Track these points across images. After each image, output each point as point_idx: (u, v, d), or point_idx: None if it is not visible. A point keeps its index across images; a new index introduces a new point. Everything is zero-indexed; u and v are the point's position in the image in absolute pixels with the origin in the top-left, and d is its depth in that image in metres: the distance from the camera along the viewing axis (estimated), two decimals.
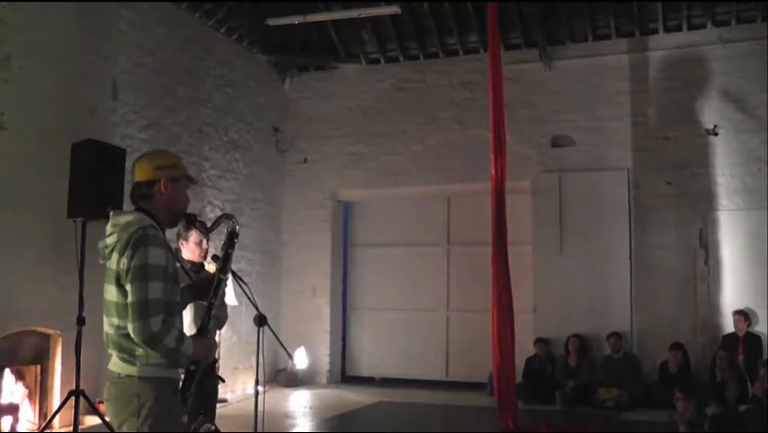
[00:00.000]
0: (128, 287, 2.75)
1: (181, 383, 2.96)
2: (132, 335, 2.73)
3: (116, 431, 2.83)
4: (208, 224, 3.36)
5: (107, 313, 2.85)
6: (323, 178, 11.27)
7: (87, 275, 5.73)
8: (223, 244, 3.23)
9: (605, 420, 8.08)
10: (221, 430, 3.79)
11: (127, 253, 2.76)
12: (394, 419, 8.57)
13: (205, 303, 3.16)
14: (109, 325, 2.84)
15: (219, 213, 8.15)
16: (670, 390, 7.74)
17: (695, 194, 9.62)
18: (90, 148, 6.02)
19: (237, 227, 3.26)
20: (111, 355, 2.87)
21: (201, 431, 3.39)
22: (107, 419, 3.19)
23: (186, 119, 9.23)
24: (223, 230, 3.33)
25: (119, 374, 2.81)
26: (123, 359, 2.80)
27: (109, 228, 2.89)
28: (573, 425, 7.86)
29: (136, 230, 2.80)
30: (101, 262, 2.91)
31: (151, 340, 2.70)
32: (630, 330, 9.59)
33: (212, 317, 3.14)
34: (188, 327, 3.64)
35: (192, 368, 2.98)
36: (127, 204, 3.02)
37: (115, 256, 2.81)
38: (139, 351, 2.77)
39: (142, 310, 2.70)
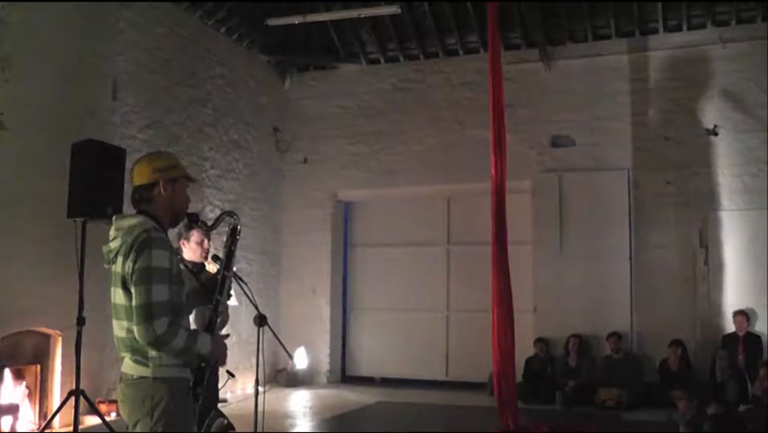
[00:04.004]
0: (132, 290, 2.77)
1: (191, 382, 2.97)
2: (137, 337, 2.75)
3: (130, 431, 2.85)
4: (210, 223, 3.37)
5: (117, 316, 2.87)
6: (323, 178, 11.27)
7: (87, 275, 5.74)
8: (226, 241, 3.23)
9: (605, 420, 8.08)
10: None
11: (132, 256, 2.79)
12: (394, 419, 8.57)
13: (207, 306, 3.15)
14: (119, 328, 2.86)
15: (219, 213, 8.19)
16: (670, 390, 7.76)
17: (695, 194, 9.62)
18: (90, 148, 6.05)
19: (239, 225, 3.26)
20: (123, 358, 2.89)
21: (215, 426, 3.40)
22: (115, 418, 3.20)
23: (186, 119, 9.23)
24: (223, 230, 3.34)
25: (133, 375, 2.83)
26: (136, 361, 2.83)
27: (112, 232, 2.92)
28: (573, 425, 7.85)
29: (139, 233, 2.82)
30: (106, 266, 2.93)
31: (156, 342, 2.72)
32: (630, 330, 9.59)
33: (219, 313, 3.15)
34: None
35: (202, 365, 2.98)
36: (127, 204, 3.04)
37: (120, 259, 2.84)
38: (152, 353, 2.79)
39: (146, 313, 2.72)
